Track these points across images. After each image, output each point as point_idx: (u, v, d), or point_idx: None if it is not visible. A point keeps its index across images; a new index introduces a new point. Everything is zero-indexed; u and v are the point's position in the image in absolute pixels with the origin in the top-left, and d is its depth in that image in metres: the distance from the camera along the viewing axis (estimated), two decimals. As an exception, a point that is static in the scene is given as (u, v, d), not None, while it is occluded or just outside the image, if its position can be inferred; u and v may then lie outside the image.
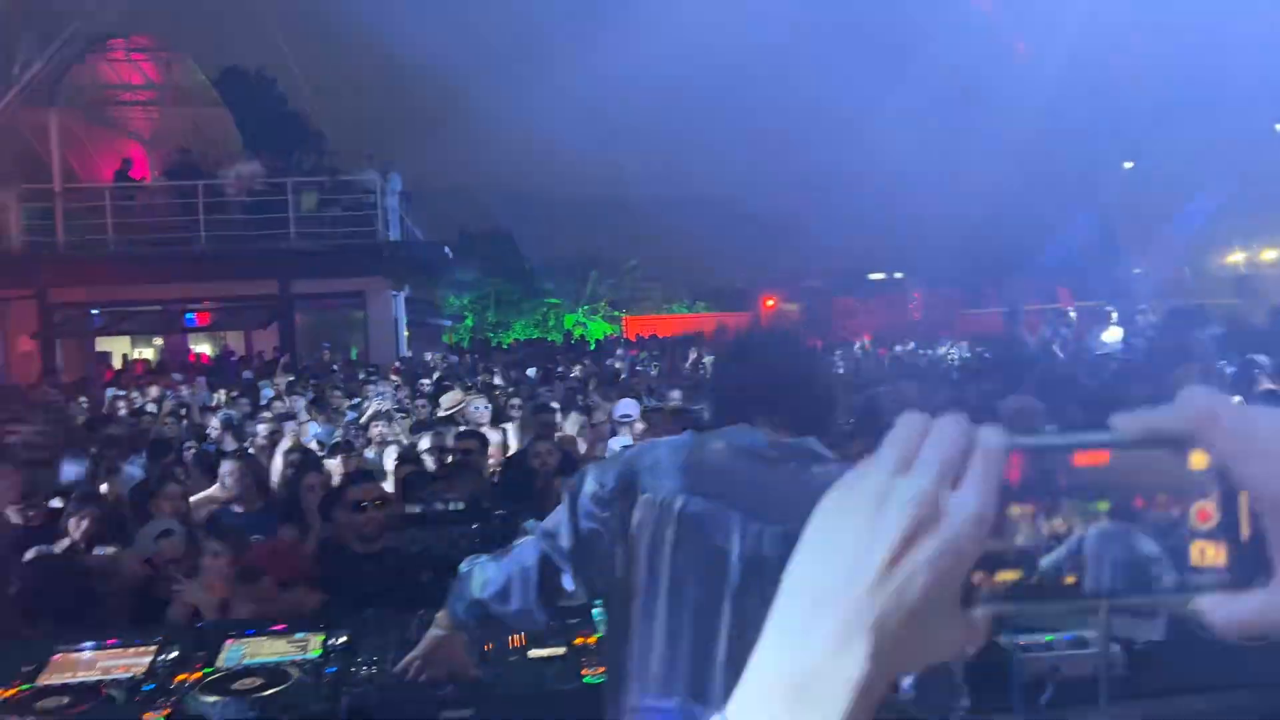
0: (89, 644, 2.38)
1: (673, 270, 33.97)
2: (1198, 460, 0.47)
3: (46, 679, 2.34)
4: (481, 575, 1.80)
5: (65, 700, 2.19)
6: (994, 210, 26.73)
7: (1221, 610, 0.46)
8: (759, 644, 0.50)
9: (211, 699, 2.20)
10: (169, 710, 2.18)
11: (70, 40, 14.63)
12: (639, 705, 1.66)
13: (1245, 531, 0.46)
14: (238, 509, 4.44)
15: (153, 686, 2.29)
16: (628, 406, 6.57)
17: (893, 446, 0.49)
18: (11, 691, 2.24)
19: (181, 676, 2.33)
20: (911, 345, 16.03)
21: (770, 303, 29.74)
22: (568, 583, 1.75)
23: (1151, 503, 0.47)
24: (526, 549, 1.78)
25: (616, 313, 31.25)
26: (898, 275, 32.90)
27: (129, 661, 2.39)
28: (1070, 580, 0.47)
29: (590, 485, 1.73)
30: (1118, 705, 2.18)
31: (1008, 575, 0.48)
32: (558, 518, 1.75)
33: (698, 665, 1.63)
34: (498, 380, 11.45)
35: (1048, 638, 2.37)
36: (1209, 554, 0.46)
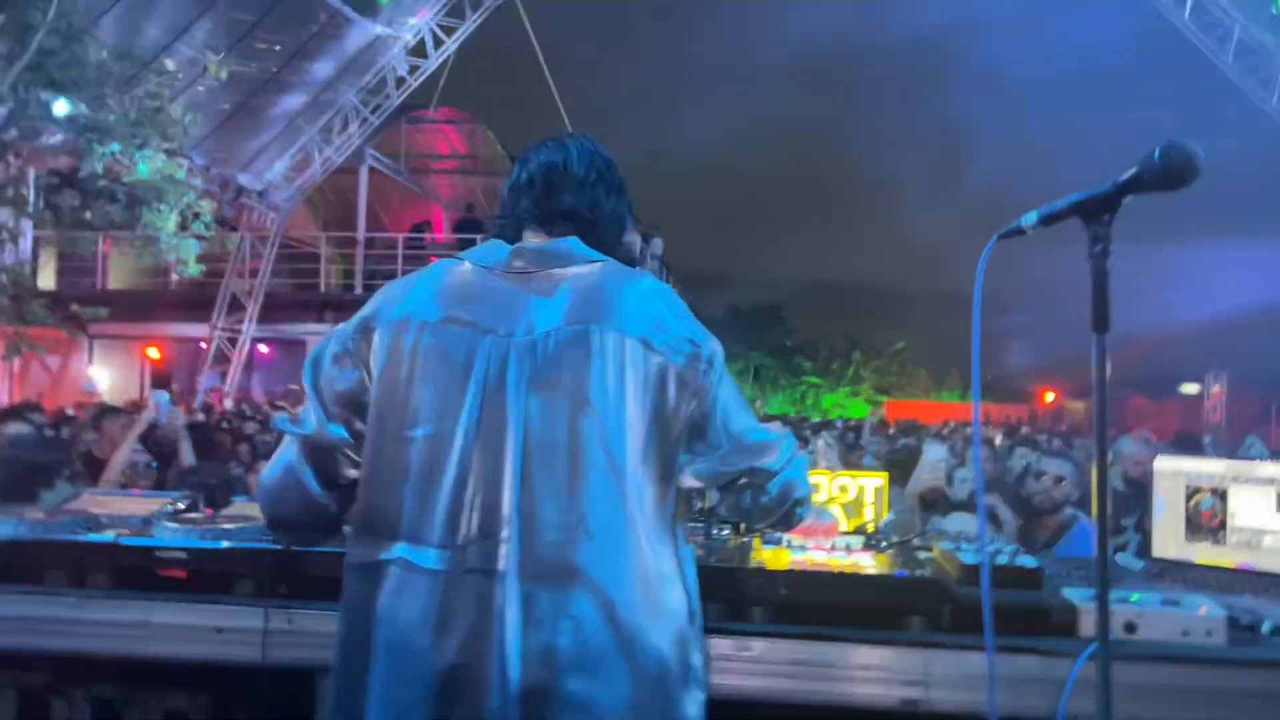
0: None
1: (942, 357, 32.43)
2: None
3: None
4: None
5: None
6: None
7: None
8: None
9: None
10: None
11: (381, 110, 16.52)
12: (365, 557, 1.50)
13: None
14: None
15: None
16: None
17: None
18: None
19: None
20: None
21: (1050, 397, 27.71)
22: (345, 454, 1.61)
23: None
24: (283, 448, 1.64)
25: (879, 396, 30.19)
26: (1215, 388, 29.57)
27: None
28: None
29: (332, 347, 1.61)
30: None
31: None
32: (304, 405, 1.63)
33: (426, 503, 1.46)
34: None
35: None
36: None
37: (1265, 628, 1.98)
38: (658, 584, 1.47)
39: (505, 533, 1.43)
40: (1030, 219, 1.39)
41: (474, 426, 1.47)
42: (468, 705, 1.40)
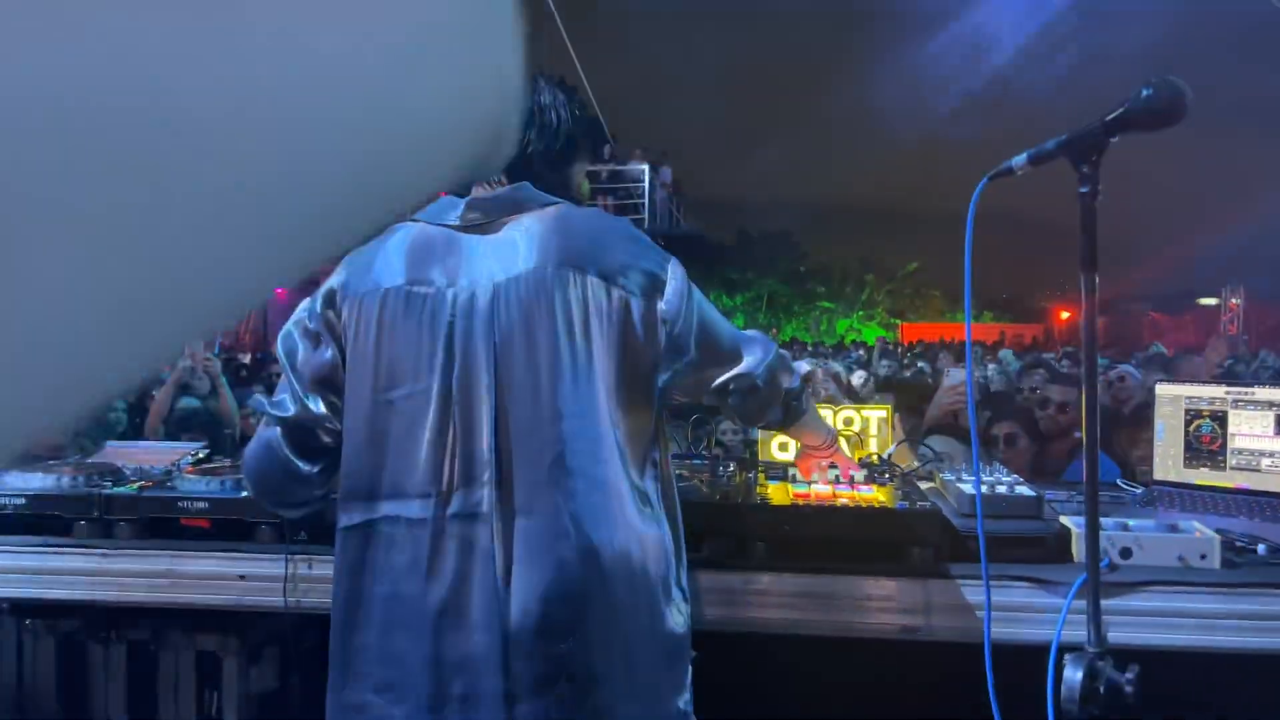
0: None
1: (957, 277, 32.11)
2: None
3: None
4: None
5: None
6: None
7: None
8: None
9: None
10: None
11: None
12: (351, 521, 1.55)
13: None
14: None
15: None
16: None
17: None
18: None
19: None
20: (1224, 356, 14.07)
21: (1065, 315, 27.56)
22: (325, 430, 1.63)
23: None
24: (263, 426, 1.67)
25: (894, 320, 30.08)
26: (1232, 300, 29.32)
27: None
28: None
29: (304, 324, 1.62)
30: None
31: None
32: (281, 383, 1.65)
33: (408, 459, 1.51)
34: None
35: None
36: None
37: (1260, 550, 2.02)
38: (636, 513, 1.53)
39: (485, 476, 1.48)
40: (1020, 160, 1.39)
41: (449, 379, 1.51)
42: (459, 645, 1.47)
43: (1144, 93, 1.24)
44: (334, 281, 1.62)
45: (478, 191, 1.65)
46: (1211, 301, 29.33)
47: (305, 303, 1.64)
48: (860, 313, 30.37)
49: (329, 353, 1.60)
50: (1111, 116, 1.28)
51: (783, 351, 1.83)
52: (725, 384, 1.70)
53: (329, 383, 1.61)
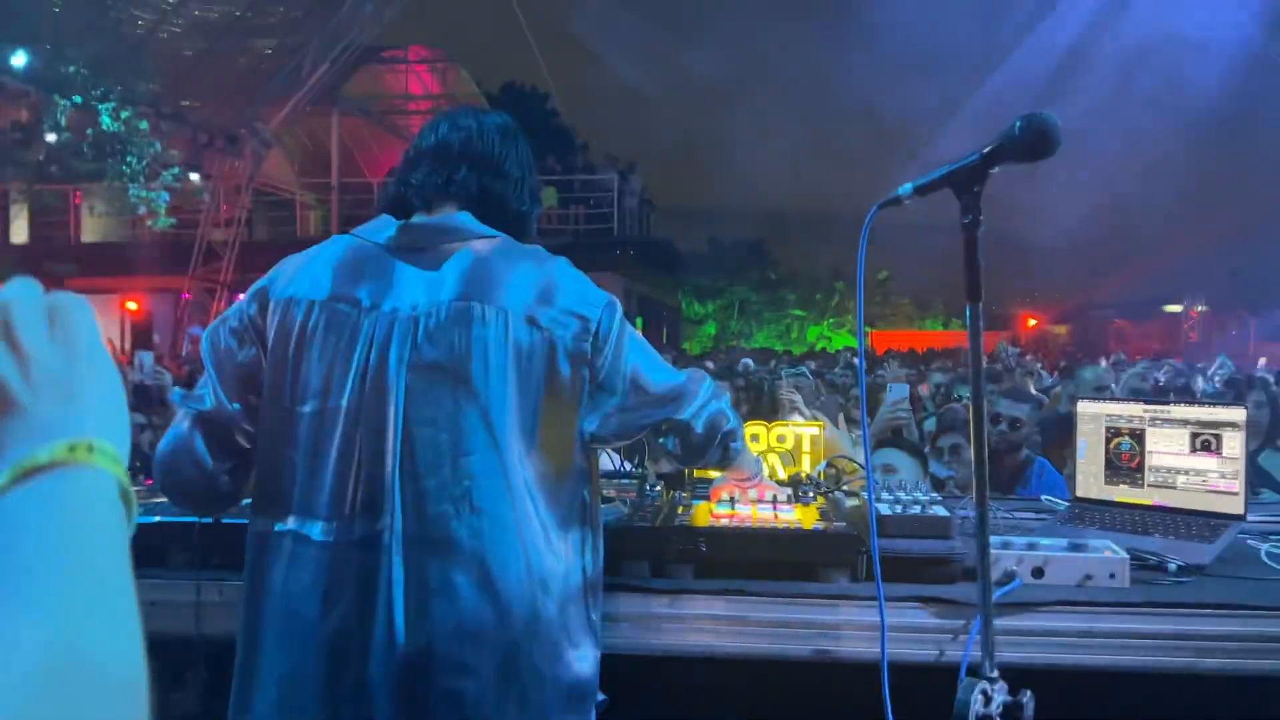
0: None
1: (927, 287, 32.43)
2: None
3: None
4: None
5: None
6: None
7: None
8: None
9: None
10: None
11: (350, 48, 16.19)
12: (260, 529, 1.56)
13: None
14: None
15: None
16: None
17: None
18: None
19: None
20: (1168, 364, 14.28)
21: (1032, 322, 27.89)
22: (240, 430, 1.62)
23: None
24: (177, 421, 1.67)
25: (865, 328, 30.30)
26: (1195, 308, 29.77)
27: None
28: None
29: (229, 322, 1.63)
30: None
31: None
32: (202, 379, 1.66)
33: (314, 478, 1.51)
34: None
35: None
36: None
37: (1171, 568, 2.04)
38: (546, 553, 1.52)
39: (388, 505, 1.47)
40: (906, 190, 1.40)
41: (356, 402, 1.50)
42: (353, 671, 1.46)
43: (1016, 127, 1.26)
44: (263, 282, 1.63)
45: (417, 216, 1.64)
46: (1176, 309, 29.76)
47: (236, 302, 1.66)
48: (831, 320, 30.54)
49: (250, 351, 1.60)
50: (987, 150, 1.29)
51: (722, 392, 1.83)
52: (658, 425, 1.68)
53: (249, 382, 1.61)
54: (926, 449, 4.18)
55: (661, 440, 1.75)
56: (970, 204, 1.33)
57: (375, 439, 1.49)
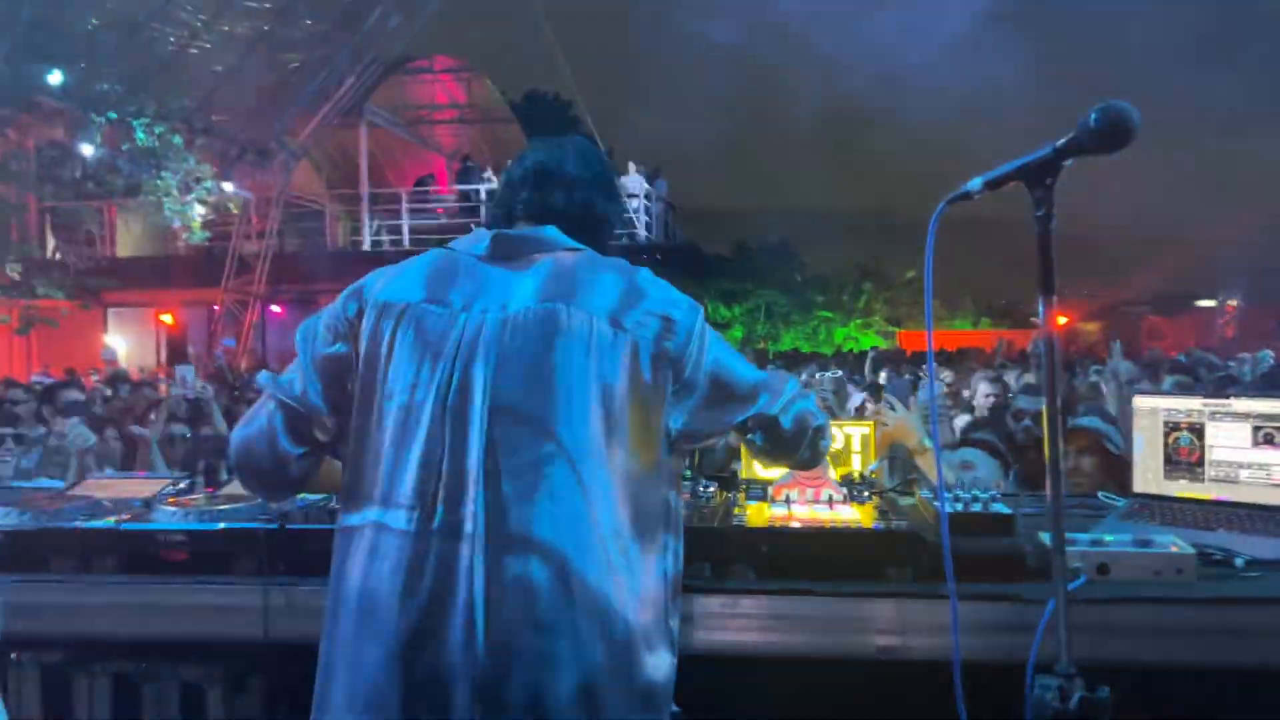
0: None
1: (957, 286, 32.11)
2: None
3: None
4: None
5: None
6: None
7: None
8: None
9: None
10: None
11: (376, 61, 16.33)
12: (347, 522, 1.60)
13: None
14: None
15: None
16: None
17: None
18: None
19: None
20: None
21: (1062, 320, 27.57)
22: (319, 422, 1.69)
23: None
24: (262, 403, 1.72)
25: (892, 328, 30.04)
26: (1230, 302, 29.30)
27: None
28: None
29: (325, 319, 1.69)
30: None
31: None
32: (292, 366, 1.72)
33: (399, 468, 1.55)
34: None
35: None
36: None
37: (1239, 563, 2.02)
38: (626, 553, 1.53)
39: (471, 495, 1.50)
40: (976, 184, 1.40)
41: (443, 397, 1.55)
42: (431, 661, 1.47)
43: (1093, 118, 1.25)
44: (361, 285, 1.70)
45: (506, 228, 1.73)
46: (1210, 304, 29.33)
47: (332, 304, 1.72)
48: (858, 321, 30.32)
49: (343, 349, 1.66)
50: (1062, 142, 1.29)
51: (807, 391, 1.86)
52: (744, 422, 1.72)
53: (336, 379, 1.67)
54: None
55: (750, 436, 1.78)
56: (1043, 197, 1.33)
57: (460, 432, 1.52)
